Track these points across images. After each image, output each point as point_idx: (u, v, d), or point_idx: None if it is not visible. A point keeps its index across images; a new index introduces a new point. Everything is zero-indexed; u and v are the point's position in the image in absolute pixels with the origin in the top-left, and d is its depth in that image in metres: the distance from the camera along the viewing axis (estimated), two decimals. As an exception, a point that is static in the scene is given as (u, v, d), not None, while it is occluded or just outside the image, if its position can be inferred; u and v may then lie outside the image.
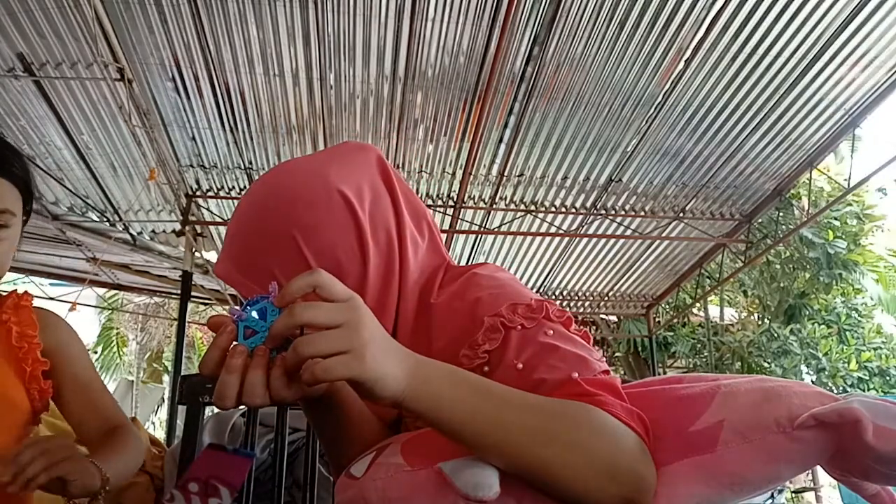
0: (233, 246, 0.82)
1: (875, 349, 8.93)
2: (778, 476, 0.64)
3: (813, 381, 8.84)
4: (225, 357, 0.59)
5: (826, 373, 8.41)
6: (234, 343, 0.60)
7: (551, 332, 0.72)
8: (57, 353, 1.09)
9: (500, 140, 4.75)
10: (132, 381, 13.08)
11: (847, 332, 8.93)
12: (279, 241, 0.78)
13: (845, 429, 0.60)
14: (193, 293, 6.22)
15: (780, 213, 6.03)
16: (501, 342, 0.72)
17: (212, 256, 6.23)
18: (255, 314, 0.60)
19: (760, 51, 3.95)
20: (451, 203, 5.49)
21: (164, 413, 11.37)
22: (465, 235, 6.09)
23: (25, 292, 1.16)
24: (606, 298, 7.59)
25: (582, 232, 6.01)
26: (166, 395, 12.37)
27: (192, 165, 5.03)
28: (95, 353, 13.15)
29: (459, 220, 5.67)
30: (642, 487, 0.61)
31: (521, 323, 0.72)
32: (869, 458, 0.60)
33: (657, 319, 8.26)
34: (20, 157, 1.07)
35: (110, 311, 12.17)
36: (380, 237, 0.82)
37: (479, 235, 6.10)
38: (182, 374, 5.32)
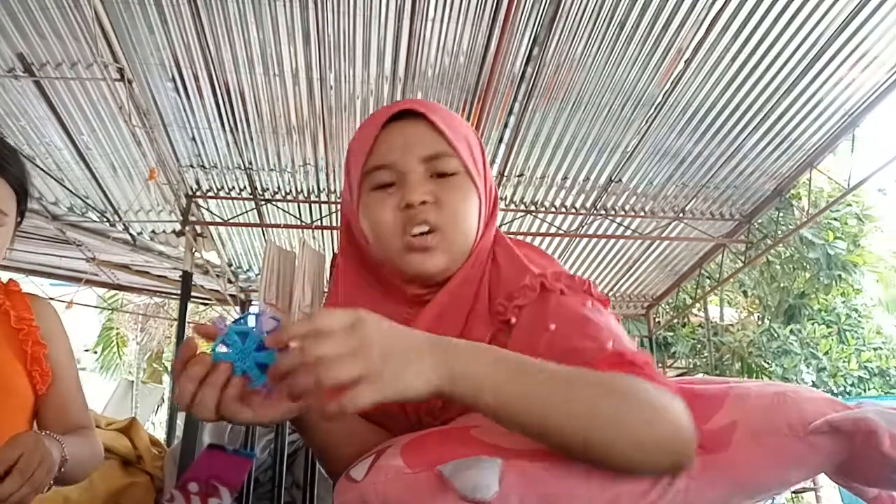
0: (424, 103, 0.86)
1: (875, 349, 8.94)
2: (788, 480, 0.64)
3: (813, 381, 8.85)
4: (195, 387, 0.61)
5: (826, 372, 8.41)
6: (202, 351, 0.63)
7: (590, 304, 0.75)
8: (48, 341, 1.07)
9: (500, 140, 4.75)
10: (132, 382, 13.08)
11: (847, 333, 8.94)
12: (459, 127, 0.86)
13: (859, 438, 0.61)
14: (193, 293, 6.22)
15: (780, 214, 6.04)
16: (537, 300, 0.75)
17: (212, 256, 6.24)
18: (236, 335, 0.62)
19: (760, 51, 3.94)
20: (451, 203, 5.48)
21: (163, 413, 11.37)
22: (465, 235, 6.07)
23: (11, 280, 1.15)
24: (606, 298, 7.57)
25: (582, 232, 6.01)
26: (166, 395, 12.38)
27: (192, 165, 5.02)
28: (95, 353, 13.16)
29: (459, 221, 5.66)
30: (691, 451, 0.61)
31: (561, 288, 0.75)
32: (887, 467, 0.60)
33: (657, 320, 8.26)
34: (17, 156, 1.06)
35: (110, 312, 12.16)
36: (488, 179, 0.89)
37: (479, 235, 6.09)
38: (182, 374, 5.31)
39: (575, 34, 3.84)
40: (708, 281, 7.02)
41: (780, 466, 0.63)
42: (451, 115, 0.87)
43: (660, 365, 8.54)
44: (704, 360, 9.02)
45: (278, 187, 5.38)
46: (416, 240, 0.80)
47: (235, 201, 5.50)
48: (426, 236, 0.80)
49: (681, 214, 5.76)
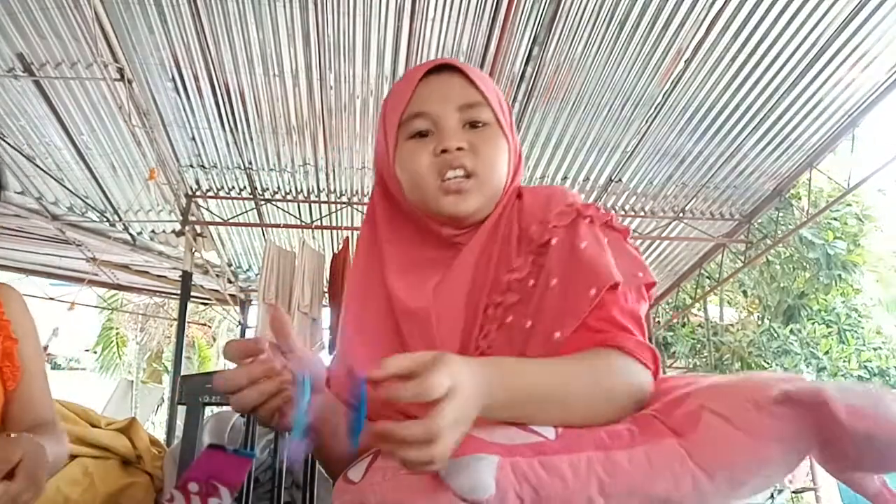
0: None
1: (875, 349, 8.93)
2: (768, 456, 0.65)
3: (813, 381, 8.83)
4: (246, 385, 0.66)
5: (826, 372, 8.41)
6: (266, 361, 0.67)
7: (608, 239, 0.83)
8: (18, 335, 1.04)
9: (500, 140, 4.75)
10: (132, 381, 13.09)
11: (847, 333, 8.94)
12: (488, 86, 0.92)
13: (819, 409, 0.62)
14: (193, 293, 6.22)
15: (780, 214, 6.04)
16: (570, 224, 0.83)
17: (212, 256, 6.24)
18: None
19: (760, 51, 3.94)
20: (451, 203, 5.48)
21: (163, 413, 11.37)
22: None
23: None
24: (606, 298, 7.57)
25: (582, 232, 6.00)
26: (166, 395, 12.37)
27: (191, 165, 5.03)
28: (95, 353, 13.16)
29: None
30: (646, 399, 0.74)
31: (590, 216, 0.84)
32: (847, 439, 0.61)
33: (657, 319, 8.26)
34: None
35: (110, 311, 12.16)
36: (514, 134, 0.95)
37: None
38: (182, 374, 5.32)
39: (575, 34, 3.84)
40: (708, 281, 7.02)
41: (751, 442, 0.65)
42: (482, 76, 0.93)
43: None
44: (704, 360, 9.01)
45: (278, 187, 5.38)
46: (452, 183, 0.85)
47: (235, 201, 5.50)
48: (461, 180, 0.86)
49: (681, 214, 5.76)
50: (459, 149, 0.85)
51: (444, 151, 0.85)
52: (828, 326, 8.84)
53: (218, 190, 5.38)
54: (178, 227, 5.38)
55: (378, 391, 0.58)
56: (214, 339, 13.96)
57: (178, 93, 4.19)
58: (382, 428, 0.56)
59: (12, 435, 0.92)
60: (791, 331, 8.65)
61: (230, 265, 6.83)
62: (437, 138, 0.86)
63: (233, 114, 4.42)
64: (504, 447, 0.63)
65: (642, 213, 5.78)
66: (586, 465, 0.63)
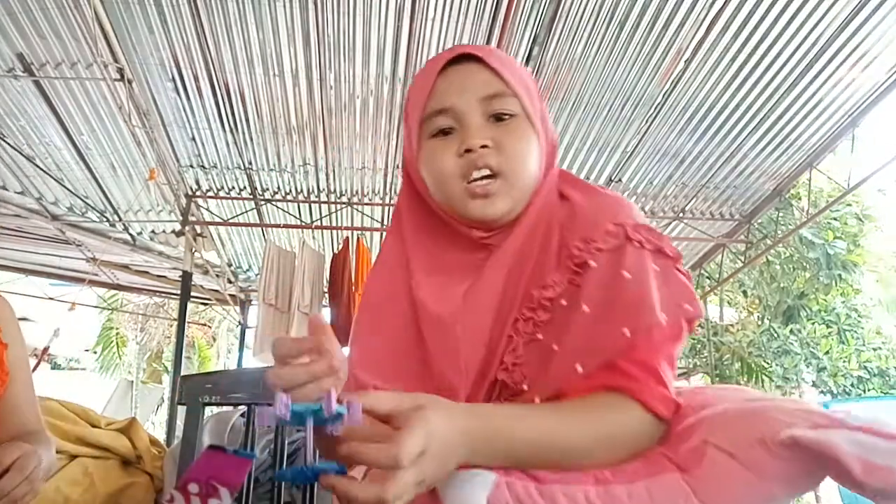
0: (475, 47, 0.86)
1: (875, 349, 8.93)
2: (773, 494, 0.63)
3: (813, 381, 8.84)
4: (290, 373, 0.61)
5: (827, 372, 8.42)
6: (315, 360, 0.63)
7: (658, 267, 0.76)
8: (3, 336, 1.04)
9: (500, 140, 4.75)
10: (132, 381, 13.09)
11: (847, 333, 8.94)
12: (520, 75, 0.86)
13: (829, 462, 0.60)
14: (193, 293, 6.22)
15: (780, 214, 6.03)
16: (616, 247, 0.76)
17: (212, 256, 6.24)
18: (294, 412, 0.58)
19: (760, 51, 3.94)
20: (450, 203, 5.48)
21: (163, 413, 11.37)
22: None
23: None
24: (606, 298, 7.57)
25: (582, 232, 6.00)
26: (166, 395, 12.37)
27: (191, 165, 5.02)
28: (95, 353, 13.16)
29: (459, 221, 5.67)
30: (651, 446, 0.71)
31: (640, 240, 0.77)
32: (866, 493, 0.59)
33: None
34: None
35: (110, 312, 12.17)
36: (546, 121, 0.89)
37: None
38: (182, 374, 5.32)
39: (575, 34, 3.84)
40: (708, 281, 7.02)
41: (755, 481, 0.62)
42: (509, 58, 0.87)
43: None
44: (704, 359, 9.01)
45: (278, 187, 5.38)
46: (478, 187, 0.80)
47: (235, 201, 5.50)
48: (487, 182, 0.80)
49: (681, 214, 5.76)
50: (484, 146, 0.80)
51: (467, 151, 0.80)
52: (828, 326, 8.84)
53: (218, 190, 5.38)
54: (178, 227, 5.38)
55: (341, 448, 0.57)
56: (214, 339, 13.96)
57: (178, 93, 4.19)
58: (336, 483, 0.55)
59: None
60: (791, 331, 8.66)
61: (230, 265, 6.83)
62: (460, 136, 0.81)
63: (233, 114, 4.42)
64: (504, 467, 0.64)
65: (642, 213, 5.77)
66: (584, 498, 0.62)
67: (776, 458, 0.62)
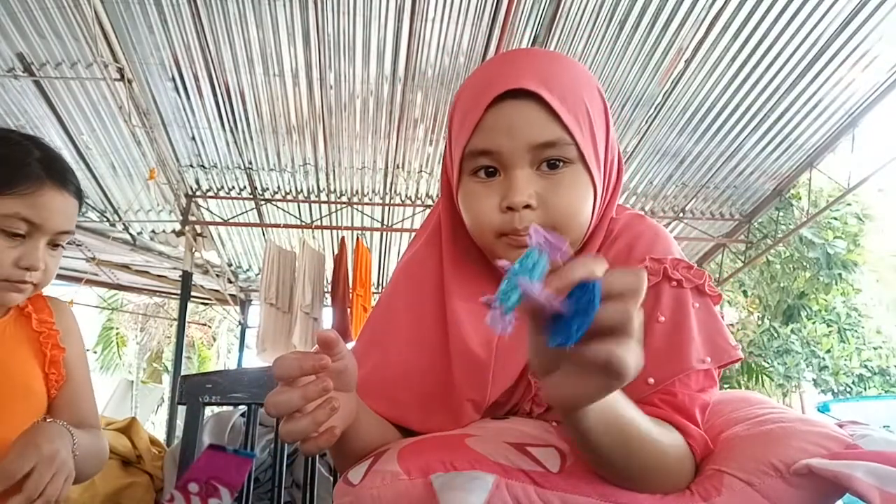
0: (538, 63, 0.75)
1: (875, 349, 8.94)
2: None
3: (814, 379, 8.85)
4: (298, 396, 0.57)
5: (828, 371, 8.42)
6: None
7: (699, 304, 0.73)
8: (64, 342, 1.08)
9: (500, 140, 4.75)
10: (132, 381, 13.10)
11: (847, 332, 8.95)
12: (590, 89, 0.77)
13: (846, 492, 0.60)
14: (193, 293, 6.23)
15: (780, 213, 6.04)
16: (654, 285, 0.72)
17: (212, 256, 6.24)
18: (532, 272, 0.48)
19: (760, 51, 3.94)
20: (451, 203, 5.48)
21: (163, 413, 11.37)
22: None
23: None
24: (606, 298, 7.57)
25: (582, 232, 6.00)
26: (166, 395, 12.38)
27: (191, 165, 5.03)
28: (95, 353, 13.17)
29: (459, 220, 5.67)
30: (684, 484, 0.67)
31: (679, 279, 0.73)
32: None
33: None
34: (70, 166, 1.08)
35: (110, 311, 12.17)
36: (610, 149, 0.80)
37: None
38: (182, 374, 5.32)
39: (575, 34, 3.84)
40: (708, 281, 7.01)
41: None
42: (569, 86, 0.74)
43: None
44: (704, 359, 9.01)
45: (278, 187, 5.38)
46: (519, 238, 0.73)
47: (235, 201, 5.50)
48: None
49: (681, 214, 5.76)
50: (527, 206, 0.72)
51: (510, 208, 0.72)
52: (828, 326, 8.85)
53: (218, 190, 5.38)
54: (178, 227, 5.38)
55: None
56: (214, 339, 13.97)
57: (178, 93, 4.19)
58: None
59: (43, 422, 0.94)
60: (792, 330, 8.66)
61: (230, 265, 6.83)
62: (504, 186, 0.73)
63: (233, 114, 4.42)
64: (503, 467, 0.63)
65: (642, 213, 5.77)
66: None
67: (792, 486, 0.62)
